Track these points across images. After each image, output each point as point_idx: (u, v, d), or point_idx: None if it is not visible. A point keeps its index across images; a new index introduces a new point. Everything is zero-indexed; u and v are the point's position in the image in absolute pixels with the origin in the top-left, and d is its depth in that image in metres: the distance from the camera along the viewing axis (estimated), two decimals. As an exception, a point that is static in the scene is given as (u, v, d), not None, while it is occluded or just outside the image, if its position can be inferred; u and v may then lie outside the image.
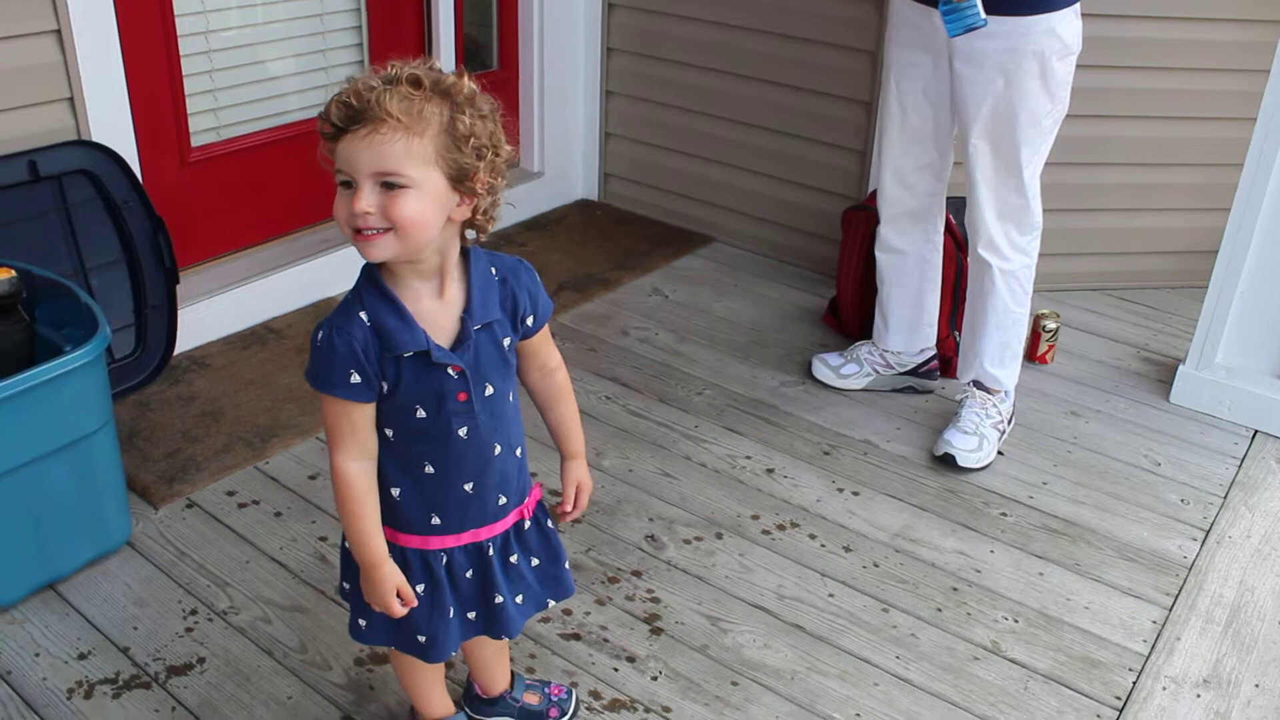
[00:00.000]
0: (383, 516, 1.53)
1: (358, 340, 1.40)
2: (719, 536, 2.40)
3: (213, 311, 2.99)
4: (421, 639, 1.61)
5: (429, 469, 1.52)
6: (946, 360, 2.93)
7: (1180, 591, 2.31)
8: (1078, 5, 2.39)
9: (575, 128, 3.94)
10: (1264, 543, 2.49)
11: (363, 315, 1.41)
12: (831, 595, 2.25)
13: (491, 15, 3.76)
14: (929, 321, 2.85)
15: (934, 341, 2.89)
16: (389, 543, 1.54)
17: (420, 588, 1.57)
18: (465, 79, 1.38)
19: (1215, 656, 2.15)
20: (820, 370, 2.94)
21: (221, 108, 3.07)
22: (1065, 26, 2.37)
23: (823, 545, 2.39)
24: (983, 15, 2.23)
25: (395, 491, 1.53)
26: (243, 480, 2.51)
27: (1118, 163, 3.38)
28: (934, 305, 2.84)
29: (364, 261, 1.42)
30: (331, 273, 3.24)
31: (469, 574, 1.60)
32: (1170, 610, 2.26)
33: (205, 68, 2.99)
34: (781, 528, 2.43)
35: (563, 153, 3.94)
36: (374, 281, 1.43)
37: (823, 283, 3.48)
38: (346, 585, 1.64)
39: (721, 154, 3.69)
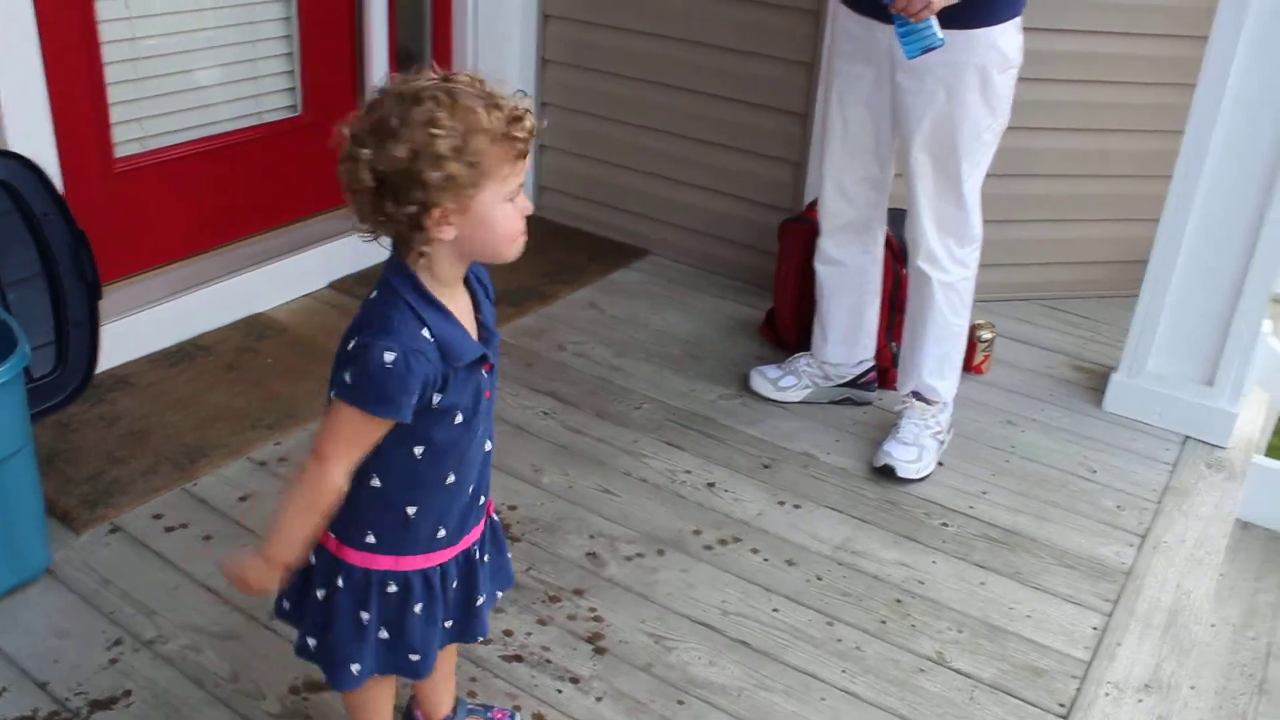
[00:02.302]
0: (385, 544, 1.50)
1: (431, 360, 1.37)
2: (661, 553, 2.37)
3: (138, 328, 2.90)
4: (415, 657, 1.57)
5: (450, 479, 1.50)
6: (883, 371, 2.94)
7: (1119, 597, 2.33)
8: (1019, 19, 2.40)
9: (508, 140, 3.89)
10: (1197, 547, 2.52)
11: (426, 333, 1.37)
12: (776, 610, 2.23)
13: (424, 26, 3.71)
14: (868, 333, 2.85)
15: (872, 353, 2.89)
16: (389, 571, 1.51)
17: (419, 607, 1.54)
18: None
19: (1155, 661, 2.17)
20: (758, 383, 2.93)
21: (147, 117, 2.98)
22: (1006, 40, 2.38)
23: (766, 560, 2.37)
24: (939, 34, 2.21)
25: (410, 511, 1.49)
26: (170, 503, 2.42)
27: (1048, 174, 3.43)
28: (873, 317, 2.84)
29: (395, 271, 1.39)
30: (262, 287, 3.18)
31: (455, 583, 1.58)
32: (1110, 616, 2.27)
33: (129, 76, 2.90)
34: (724, 542, 2.41)
35: (497, 165, 3.89)
36: (418, 291, 1.39)
37: (758, 295, 3.47)
38: (314, 642, 1.57)
39: (656, 166, 3.67)
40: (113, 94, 2.86)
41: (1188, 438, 2.92)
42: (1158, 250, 2.87)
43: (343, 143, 1.34)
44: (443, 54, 3.72)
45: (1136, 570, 2.42)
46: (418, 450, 1.45)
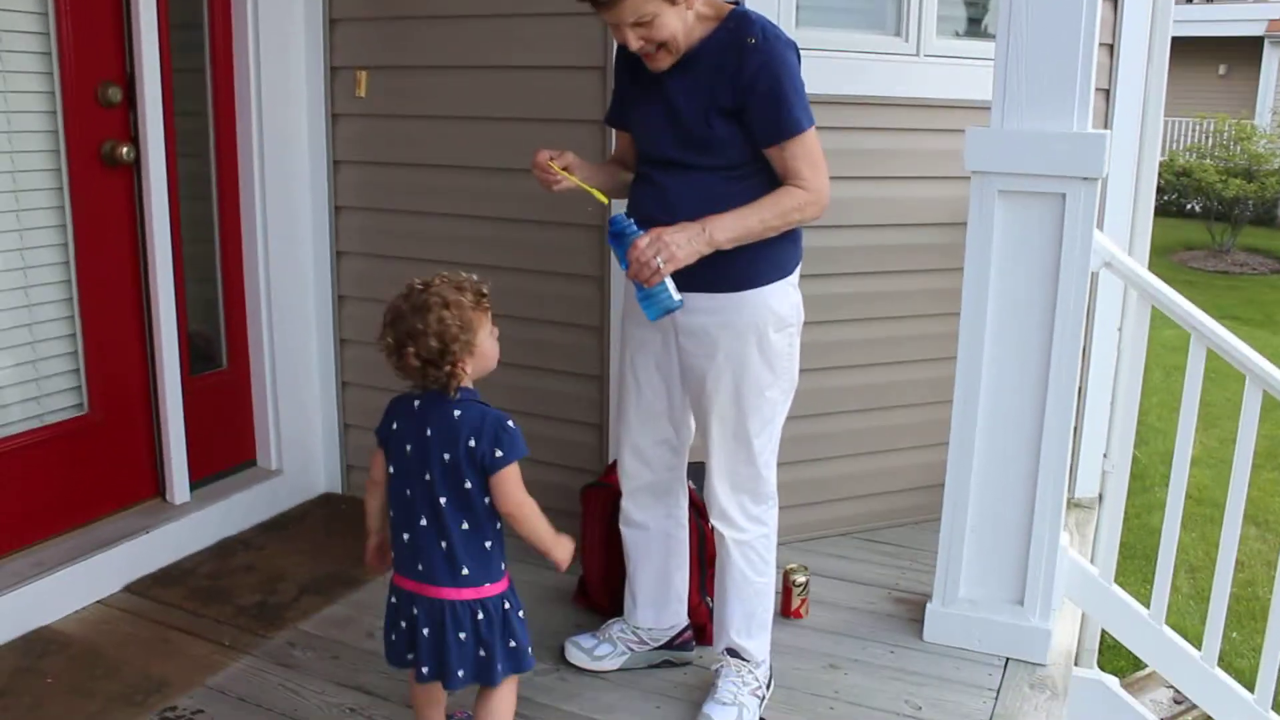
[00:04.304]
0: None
1: None
2: None
3: (-107, 664, 2.65)
4: None
5: None
6: (700, 628, 2.87)
7: None
8: (791, 279, 2.46)
9: (313, 421, 3.83)
10: (1027, 779, 2.48)
11: None
12: None
13: (218, 311, 3.67)
14: (678, 596, 2.80)
15: (684, 615, 2.84)
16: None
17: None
18: None
19: None
20: (574, 654, 2.83)
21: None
22: (779, 300, 2.42)
23: None
24: (676, 296, 2.27)
25: None
26: None
27: (848, 410, 3.52)
28: (682, 580, 2.80)
29: (456, 392, 2.20)
30: (46, 598, 2.96)
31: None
32: None
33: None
34: (540, 840, 2.26)
35: (301, 447, 3.81)
36: (474, 392, 2.23)
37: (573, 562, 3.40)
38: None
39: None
40: None
41: (1008, 659, 2.92)
42: (951, 476, 2.93)
43: (388, 347, 2.15)
44: (237, 339, 3.68)
45: (968, 814, 2.35)
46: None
